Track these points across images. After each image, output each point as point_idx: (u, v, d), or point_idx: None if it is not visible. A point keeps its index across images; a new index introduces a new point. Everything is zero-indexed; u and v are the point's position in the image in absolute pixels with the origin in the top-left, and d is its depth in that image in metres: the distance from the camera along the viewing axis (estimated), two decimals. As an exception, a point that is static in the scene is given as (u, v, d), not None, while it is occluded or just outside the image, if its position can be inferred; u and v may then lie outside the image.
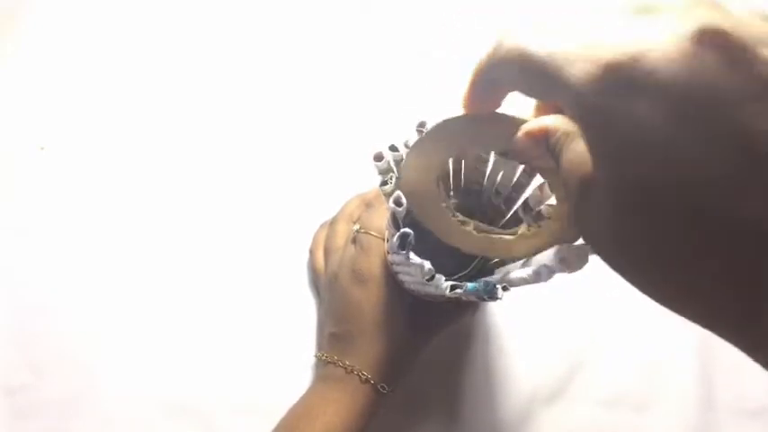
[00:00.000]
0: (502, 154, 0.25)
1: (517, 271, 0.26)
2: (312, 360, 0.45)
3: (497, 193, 0.32)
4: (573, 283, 0.33)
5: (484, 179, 0.32)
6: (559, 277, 0.24)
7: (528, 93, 0.19)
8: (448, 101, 0.24)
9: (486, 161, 0.31)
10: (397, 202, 0.26)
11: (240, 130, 0.51)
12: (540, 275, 0.24)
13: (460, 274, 0.34)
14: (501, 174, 0.31)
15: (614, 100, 0.15)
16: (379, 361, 0.38)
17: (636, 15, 0.16)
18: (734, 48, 0.14)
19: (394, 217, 0.28)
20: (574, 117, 0.17)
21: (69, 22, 0.54)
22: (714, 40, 0.14)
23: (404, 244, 0.27)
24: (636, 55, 0.14)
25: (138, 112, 0.51)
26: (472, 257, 0.34)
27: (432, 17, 0.54)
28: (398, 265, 0.33)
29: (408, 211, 0.31)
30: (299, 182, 0.50)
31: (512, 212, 0.32)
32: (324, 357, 0.39)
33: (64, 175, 0.50)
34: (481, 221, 0.26)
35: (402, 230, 0.27)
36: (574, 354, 0.46)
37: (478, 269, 0.35)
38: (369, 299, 0.34)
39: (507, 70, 0.19)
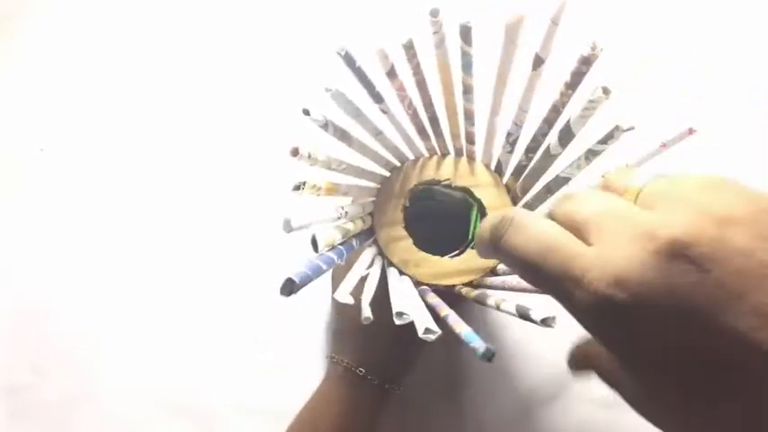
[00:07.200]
0: None
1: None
2: (313, 359, 0.45)
3: None
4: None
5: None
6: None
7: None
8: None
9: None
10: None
11: (240, 129, 0.51)
12: None
13: (461, 249, 0.36)
14: None
15: (615, 321, 0.17)
16: (375, 357, 0.38)
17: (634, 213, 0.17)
18: (695, 260, 0.16)
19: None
20: (584, 325, 0.18)
21: (67, 26, 0.54)
22: (677, 255, 0.16)
23: None
24: (618, 281, 0.16)
25: (136, 113, 0.52)
26: (466, 235, 0.37)
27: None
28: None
29: (410, 205, 0.35)
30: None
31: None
32: (329, 355, 0.40)
33: (63, 176, 0.50)
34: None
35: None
36: (573, 354, 0.46)
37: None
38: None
39: (508, 263, 0.20)
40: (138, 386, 0.46)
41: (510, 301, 0.29)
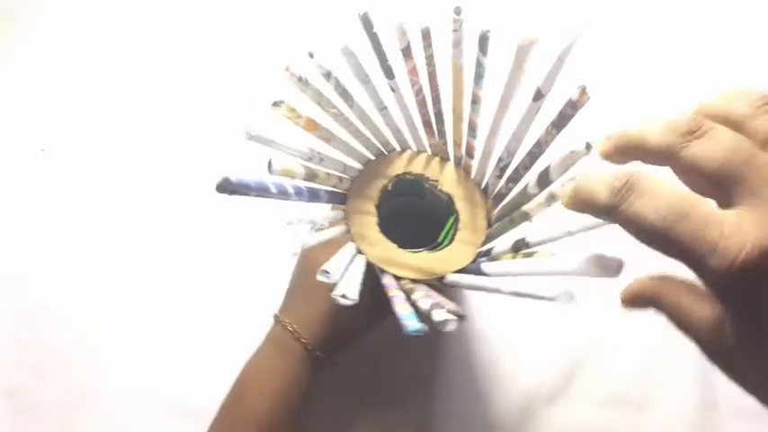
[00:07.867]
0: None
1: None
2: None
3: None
4: (573, 282, 0.32)
5: None
6: (560, 278, 0.24)
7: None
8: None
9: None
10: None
11: (237, 127, 0.51)
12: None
13: (424, 248, 0.36)
14: None
15: (753, 289, 0.16)
16: (313, 320, 0.37)
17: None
18: None
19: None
20: (716, 294, 0.18)
21: (67, 26, 0.54)
22: None
23: None
24: (764, 251, 0.16)
25: (136, 113, 0.52)
26: (441, 228, 0.37)
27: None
28: None
29: (393, 190, 0.35)
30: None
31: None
32: (274, 314, 0.39)
33: (64, 177, 0.50)
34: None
35: None
36: (574, 354, 0.46)
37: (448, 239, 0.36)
38: (320, 260, 0.31)
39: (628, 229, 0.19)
40: (138, 387, 0.46)
41: (424, 299, 0.29)
